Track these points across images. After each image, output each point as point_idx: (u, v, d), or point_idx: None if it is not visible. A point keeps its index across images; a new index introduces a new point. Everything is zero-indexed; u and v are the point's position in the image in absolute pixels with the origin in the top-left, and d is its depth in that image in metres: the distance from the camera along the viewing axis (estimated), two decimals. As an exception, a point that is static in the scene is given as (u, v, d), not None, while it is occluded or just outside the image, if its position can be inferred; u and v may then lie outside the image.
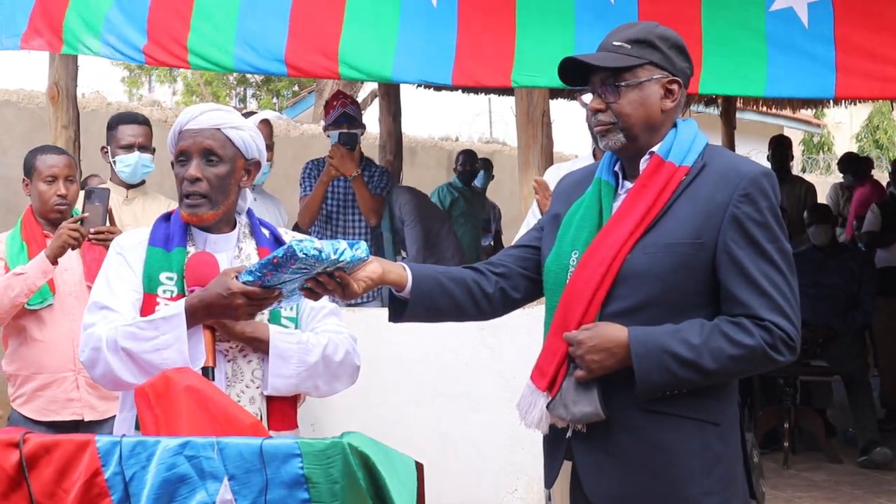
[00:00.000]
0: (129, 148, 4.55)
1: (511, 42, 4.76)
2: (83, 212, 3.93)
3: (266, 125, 4.93)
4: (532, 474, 4.73)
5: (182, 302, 2.53)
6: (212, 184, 2.65)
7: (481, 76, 4.94)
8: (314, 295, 2.40)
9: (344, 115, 5.80)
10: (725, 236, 2.31)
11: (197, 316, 2.51)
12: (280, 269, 2.31)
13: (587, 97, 2.49)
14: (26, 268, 3.88)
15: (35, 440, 2.12)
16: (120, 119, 4.69)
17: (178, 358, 2.49)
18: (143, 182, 4.65)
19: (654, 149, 2.42)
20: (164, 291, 2.63)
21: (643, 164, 2.43)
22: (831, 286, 6.88)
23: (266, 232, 2.80)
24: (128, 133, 4.55)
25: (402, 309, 2.51)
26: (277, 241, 2.79)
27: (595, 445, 2.38)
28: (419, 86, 8.32)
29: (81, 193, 4.17)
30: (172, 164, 2.73)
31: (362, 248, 2.34)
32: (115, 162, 4.58)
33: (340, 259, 2.30)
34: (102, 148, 4.68)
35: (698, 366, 2.27)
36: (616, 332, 2.30)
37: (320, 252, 2.25)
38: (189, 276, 2.63)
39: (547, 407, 2.41)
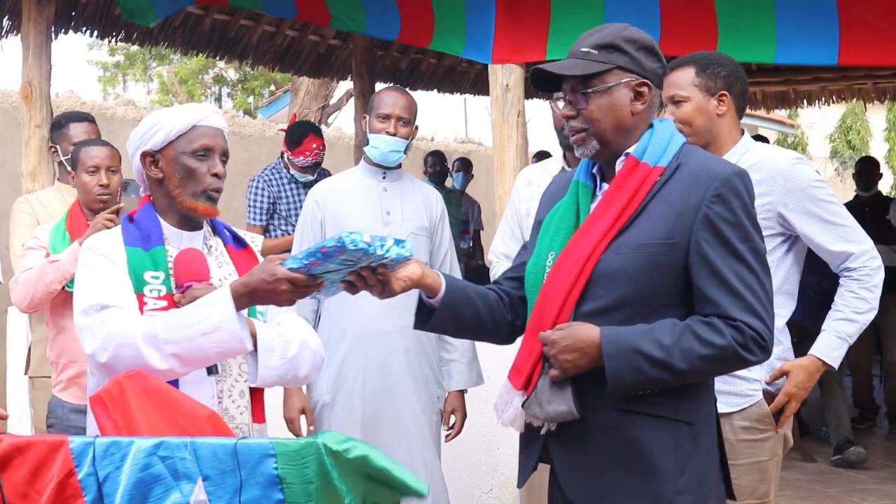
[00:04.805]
0: None
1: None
2: (119, 202, 3.96)
3: None
4: (507, 474, 4.74)
5: (227, 287, 2.49)
6: (223, 181, 2.72)
7: None
8: (353, 288, 2.39)
9: (316, 164, 6.01)
10: (698, 236, 2.31)
11: (241, 301, 2.47)
12: (328, 258, 2.30)
13: (560, 102, 2.49)
14: (61, 255, 3.91)
15: (7, 441, 2.10)
16: (70, 118, 4.67)
17: (232, 339, 2.45)
18: None
19: (630, 150, 2.42)
20: (151, 291, 2.61)
21: (619, 165, 2.43)
22: (805, 285, 6.89)
23: (226, 231, 2.82)
24: (79, 130, 4.53)
25: (427, 316, 2.51)
26: (235, 238, 2.82)
27: (571, 444, 2.39)
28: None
29: None
30: (155, 152, 2.69)
31: (407, 246, 2.34)
32: (66, 160, 4.56)
33: (386, 255, 2.30)
34: (51, 147, 4.65)
35: (669, 366, 2.27)
36: (588, 332, 2.31)
37: (368, 246, 2.25)
38: (179, 272, 2.62)
39: (522, 406, 2.41)
